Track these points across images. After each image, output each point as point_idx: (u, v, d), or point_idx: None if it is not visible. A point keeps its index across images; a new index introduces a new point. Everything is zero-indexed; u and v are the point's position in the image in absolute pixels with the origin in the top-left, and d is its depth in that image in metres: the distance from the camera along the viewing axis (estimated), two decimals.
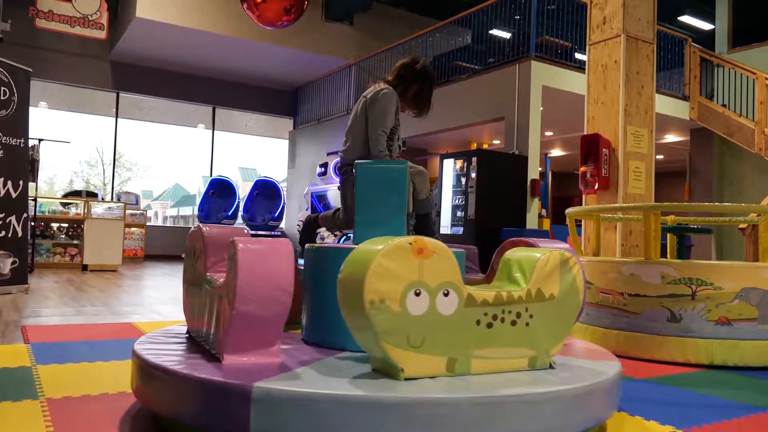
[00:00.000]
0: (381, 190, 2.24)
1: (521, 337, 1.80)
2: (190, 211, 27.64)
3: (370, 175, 2.27)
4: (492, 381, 1.68)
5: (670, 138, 11.77)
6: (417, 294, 1.64)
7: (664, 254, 4.34)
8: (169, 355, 1.85)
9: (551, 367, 1.85)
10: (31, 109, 5.87)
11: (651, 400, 2.42)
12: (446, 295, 1.68)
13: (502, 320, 1.77)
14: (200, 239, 2.12)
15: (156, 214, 32.87)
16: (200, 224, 2.21)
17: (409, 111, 2.92)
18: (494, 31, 10.01)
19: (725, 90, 10.19)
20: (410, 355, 1.64)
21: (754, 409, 2.32)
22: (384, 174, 2.25)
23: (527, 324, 1.81)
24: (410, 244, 1.65)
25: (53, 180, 28.99)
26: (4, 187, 5.40)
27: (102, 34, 11.11)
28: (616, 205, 5.15)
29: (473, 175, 8.04)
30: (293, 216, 13.69)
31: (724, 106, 10.07)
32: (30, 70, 5.79)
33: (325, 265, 2.11)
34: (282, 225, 13.09)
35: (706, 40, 12.33)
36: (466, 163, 8.17)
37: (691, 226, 4.58)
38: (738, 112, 9.77)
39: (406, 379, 1.62)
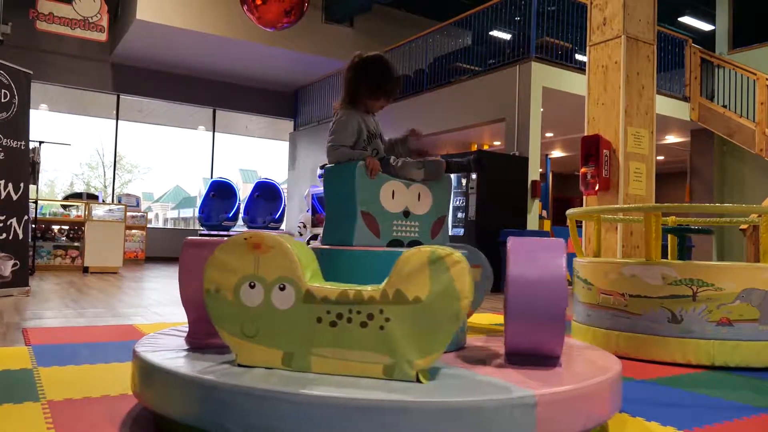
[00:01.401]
0: (338, 191, 2.26)
1: (374, 342, 1.64)
2: (191, 213, 27.67)
3: (330, 176, 2.32)
4: (332, 381, 1.61)
5: (671, 139, 11.78)
6: (251, 286, 1.72)
7: (665, 255, 4.34)
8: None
9: (418, 380, 1.60)
10: (31, 111, 5.87)
11: (652, 401, 2.42)
12: (282, 289, 1.71)
13: (349, 320, 1.65)
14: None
15: (156, 216, 32.89)
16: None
17: (383, 102, 2.39)
18: (494, 33, 10.03)
19: (726, 91, 10.19)
20: (244, 344, 1.72)
21: (756, 410, 2.32)
22: (338, 174, 2.26)
23: (381, 327, 1.63)
24: (245, 239, 1.75)
25: (54, 182, 29.02)
26: (4, 190, 5.40)
27: (102, 37, 11.12)
28: (617, 206, 5.15)
29: (474, 176, 8.04)
30: (294, 217, 13.69)
31: (724, 106, 10.08)
32: (30, 72, 5.80)
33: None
34: (283, 226, 13.09)
35: (707, 40, 12.34)
36: None
37: (692, 227, 4.58)
38: (738, 113, 9.78)
39: (239, 365, 1.71)
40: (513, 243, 1.92)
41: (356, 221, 2.16)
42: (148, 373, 1.78)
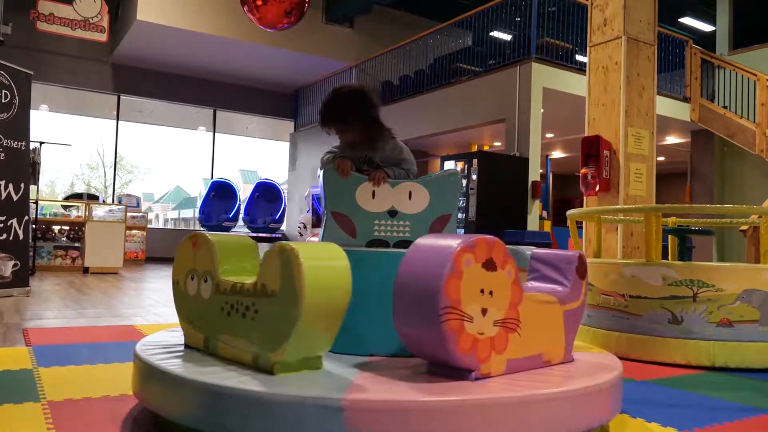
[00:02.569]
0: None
1: (248, 331, 1.74)
2: (191, 213, 27.67)
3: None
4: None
5: (671, 140, 11.77)
6: (192, 278, 2.00)
7: (665, 256, 4.34)
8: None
9: (272, 373, 1.63)
10: (32, 112, 5.88)
11: (653, 401, 2.42)
12: (206, 281, 1.93)
13: (237, 310, 1.79)
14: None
15: (157, 216, 32.89)
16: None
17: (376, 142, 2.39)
18: (495, 33, 10.03)
19: (726, 91, 10.19)
20: (187, 328, 2.02)
21: (756, 411, 2.32)
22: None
23: (253, 318, 1.72)
24: (189, 238, 2.06)
25: (54, 183, 29.03)
26: (5, 190, 5.40)
27: (103, 37, 11.13)
28: (618, 206, 5.15)
29: (474, 177, 8.04)
30: (294, 218, 13.69)
31: (725, 107, 10.08)
32: (31, 72, 5.80)
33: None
34: (283, 227, 13.10)
35: (707, 41, 12.34)
36: (466, 165, 8.18)
37: (692, 228, 4.57)
38: (739, 114, 9.77)
39: (185, 346, 2.01)
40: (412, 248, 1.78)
41: (327, 221, 2.25)
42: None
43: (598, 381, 1.74)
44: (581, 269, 2.06)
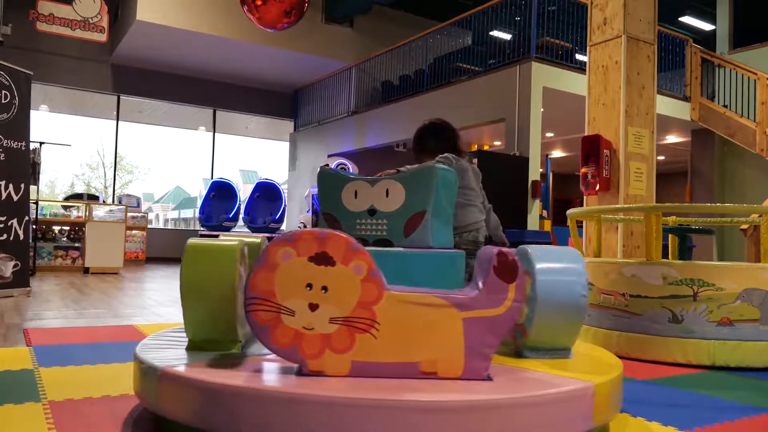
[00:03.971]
0: None
1: None
2: (192, 213, 27.68)
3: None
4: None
5: (671, 139, 11.78)
6: None
7: (665, 255, 4.34)
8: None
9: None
10: (32, 112, 5.88)
11: (653, 401, 2.42)
12: None
13: None
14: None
15: (157, 216, 32.89)
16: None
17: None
18: (495, 33, 10.02)
19: (726, 90, 10.19)
20: None
21: (756, 410, 2.32)
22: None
23: None
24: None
25: (54, 183, 29.03)
26: (5, 191, 5.40)
27: (102, 37, 11.12)
28: (617, 206, 5.15)
29: None
30: (294, 218, 13.69)
31: (725, 106, 10.07)
32: (31, 73, 5.80)
33: None
34: (283, 227, 13.11)
35: (707, 40, 12.34)
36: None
37: (693, 227, 4.58)
38: (739, 113, 9.78)
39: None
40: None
41: (319, 222, 2.29)
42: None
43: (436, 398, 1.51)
44: (504, 271, 1.71)
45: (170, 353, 1.91)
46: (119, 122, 13.33)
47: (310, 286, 1.63)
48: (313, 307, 1.63)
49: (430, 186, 2.19)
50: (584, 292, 1.97)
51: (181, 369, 1.71)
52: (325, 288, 1.63)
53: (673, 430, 1.98)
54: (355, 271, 1.64)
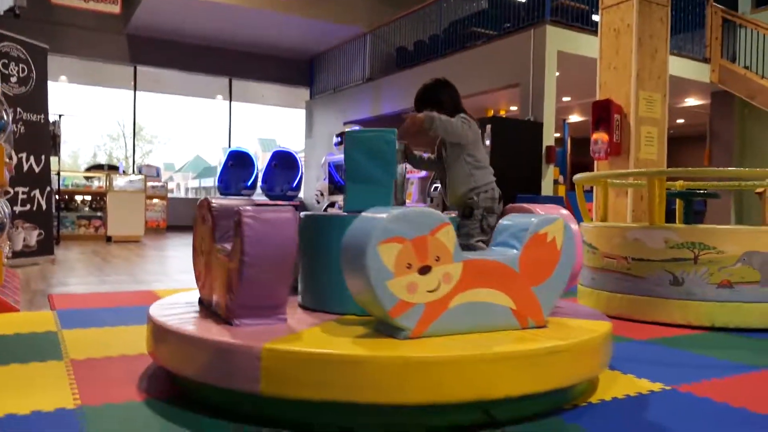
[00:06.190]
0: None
1: None
2: (212, 182, 27.95)
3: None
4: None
5: (690, 102, 11.57)
6: None
7: (673, 219, 4.36)
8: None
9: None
10: (51, 83, 6.00)
11: (646, 359, 2.50)
12: None
13: None
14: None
15: (178, 186, 33.25)
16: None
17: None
18: None
19: (748, 51, 9.95)
20: None
21: (746, 368, 2.39)
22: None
23: None
24: None
25: (77, 153, 29.42)
26: (26, 162, 5.57)
27: (116, 9, 11.16)
28: (621, 171, 5.15)
29: (488, 142, 8.03)
30: (311, 186, 13.80)
31: (746, 68, 9.85)
32: (47, 47, 5.91)
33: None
34: (301, 195, 13.22)
35: None
36: (481, 131, 8.15)
37: (697, 191, 4.57)
38: (761, 74, 9.55)
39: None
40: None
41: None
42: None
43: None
44: (237, 224, 1.82)
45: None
46: (137, 92, 13.45)
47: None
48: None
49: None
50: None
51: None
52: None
53: (660, 386, 2.07)
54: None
